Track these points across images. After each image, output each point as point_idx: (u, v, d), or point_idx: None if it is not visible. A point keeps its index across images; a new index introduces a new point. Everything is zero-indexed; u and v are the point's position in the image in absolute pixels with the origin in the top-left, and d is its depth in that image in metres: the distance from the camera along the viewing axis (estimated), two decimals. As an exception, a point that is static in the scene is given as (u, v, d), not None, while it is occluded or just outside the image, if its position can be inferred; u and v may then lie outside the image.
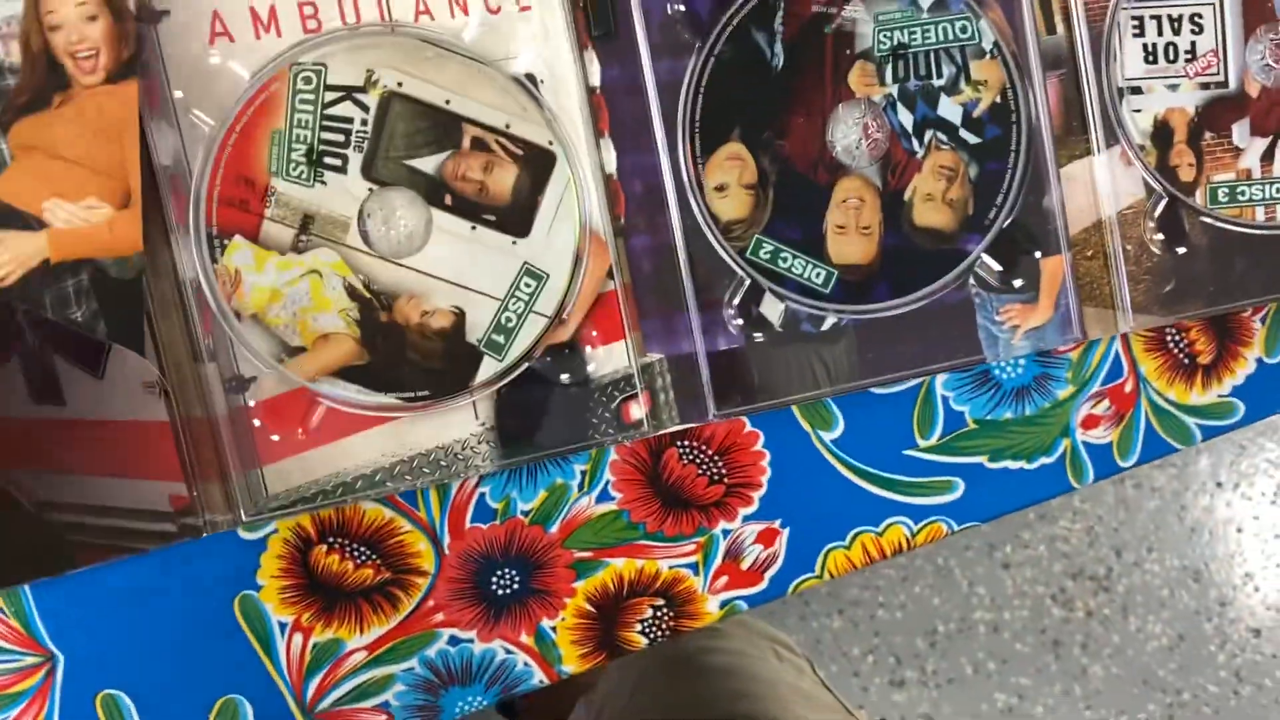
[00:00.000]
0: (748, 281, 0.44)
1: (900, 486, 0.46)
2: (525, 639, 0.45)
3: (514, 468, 0.44)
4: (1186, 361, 0.48)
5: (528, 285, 0.42)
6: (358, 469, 0.43)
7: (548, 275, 0.43)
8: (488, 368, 0.43)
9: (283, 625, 0.44)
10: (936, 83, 0.44)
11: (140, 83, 0.39)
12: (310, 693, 0.44)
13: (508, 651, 0.45)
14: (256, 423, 0.42)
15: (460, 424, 0.43)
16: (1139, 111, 0.46)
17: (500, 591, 0.44)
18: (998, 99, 0.45)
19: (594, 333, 0.43)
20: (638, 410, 0.44)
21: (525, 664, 0.45)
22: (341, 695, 0.44)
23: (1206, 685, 1.50)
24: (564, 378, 0.43)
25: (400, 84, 0.41)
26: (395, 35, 0.41)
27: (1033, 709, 1.47)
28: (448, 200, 0.42)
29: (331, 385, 0.42)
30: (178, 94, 0.40)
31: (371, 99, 0.41)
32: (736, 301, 0.44)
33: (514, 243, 0.42)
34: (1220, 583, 1.52)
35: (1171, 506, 1.51)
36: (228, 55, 0.40)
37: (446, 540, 0.44)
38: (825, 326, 0.45)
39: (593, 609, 0.45)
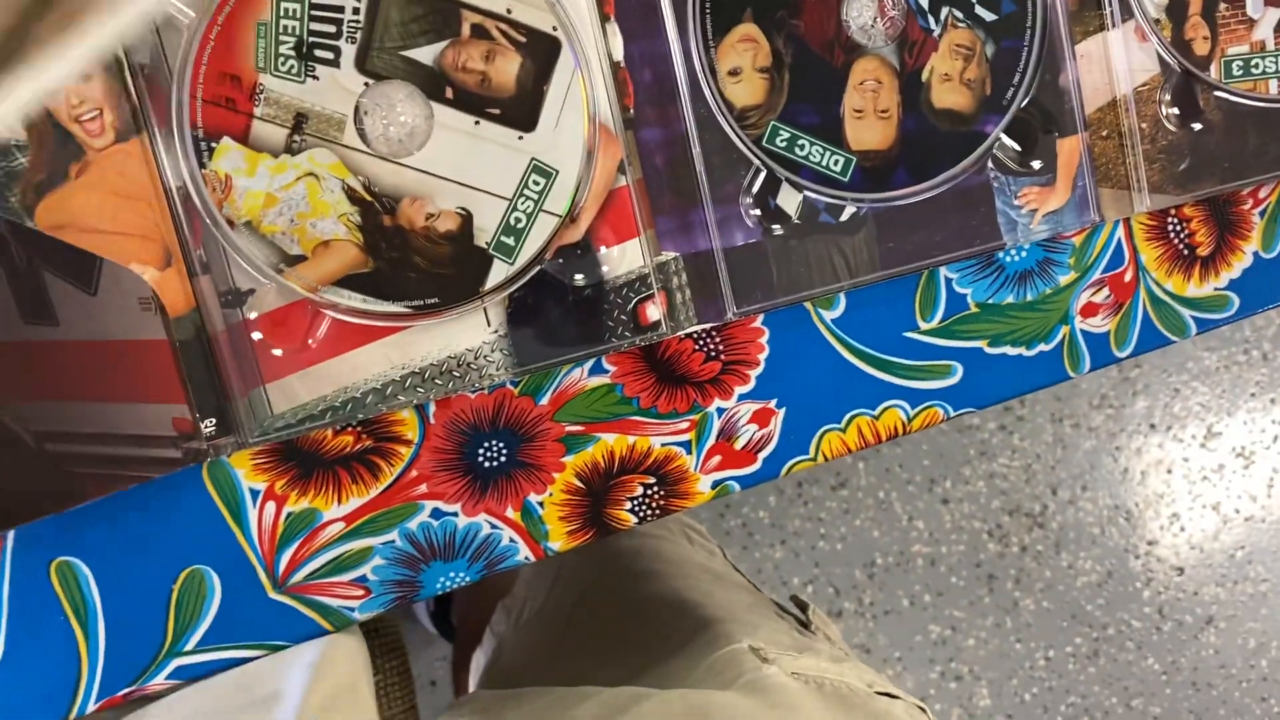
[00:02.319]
0: (764, 172, 0.42)
1: (899, 369, 0.46)
2: (511, 514, 0.44)
3: (528, 373, 0.42)
4: (1186, 252, 0.48)
5: (536, 183, 0.40)
6: (366, 382, 0.41)
7: (557, 171, 0.40)
8: (498, 271, 0.41)
9: (254, 493, 0.42)
10: (952, -44, 0.42)
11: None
12: (283, 565, 0.42)
13: (493, 527, 0.43)
14: (257, 337, 0.39)
15: (471, 331, 0.41)
16: (1155, -17, 0.44)
17: (487, 464, 0.43)
18: (1014, -28, 0.43)
19: (607, 231, 0.41)
20: (654, 311, 0.42)
21: (511, 540, 0.44)
22: (316, 568, 0.42)
23: (1131, 620, 1.56)
24: (577, 279, 0.41)
25: (392, -32, 0.38)
26: (384, -86, 0.38)
27: (964, 641, 1.51)
28: (449, 94, 0.39)
29: (335, 295, 0.39)
30: (152, -17, 0.37)
31: (362, -15, 0.38)
32: (754, 193, 0.42)
33: (520, 138, 0.40)
34: (1149, 522, 1.57)
35: (1107, 447, 1.55)
36: (203, -61, 0.37)
37: (432, 408, 0.42)
38: (844, 216, 0.43)
39: (582, 485, 0.44)
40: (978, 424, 1.53)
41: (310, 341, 0.40)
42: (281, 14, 0.38)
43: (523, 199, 0.40)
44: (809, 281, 0.43)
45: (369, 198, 0.39)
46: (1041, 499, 1.54)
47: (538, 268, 0.41)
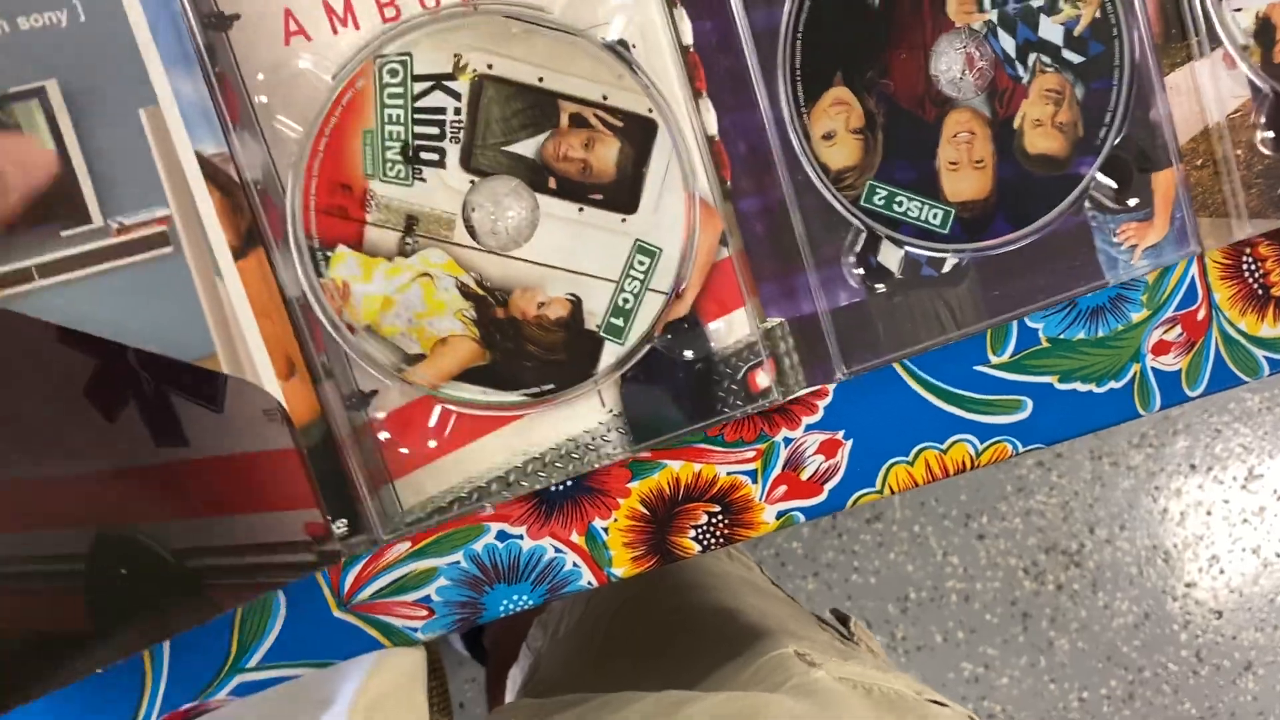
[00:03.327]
0: (864, 231, 0.42)
1: (968, 403, 0.45)
2: (576, 538, 0.44)
3: (647, 449, 0.42)
4: (1260, 291, 0.47)
5: (641, 263, 0.41)
6: (490, 471, 0.41)
7: (660, 250, 0.41)
8: (610, 353, 0.41)
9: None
10: (1035, 4, 0.42)
11: (221, 94, 0.37)
12: (348, 584, 0.43)
13: (557, 550, 0.44)
14: (383, 436, 0.40)
15: (587, 413, 0.41)
16: (1240, 10, 0.44)
17: (554, 488, 0.43)
18: (1097, 14, 0.43)
19: (712, 304, 0.42)
20: (764, 378, 0.42)
21: (575, 564, 0.44)
22: (381, 587, 0.43)
23: (1168, 664, 1.53)
24: (687, 354, 0.42)
25: (490, 66, 0.39)
26: (478, 14, 0.39)
27: (998, 679, 1.49)
28: (552, 184, 0.40)
29: (456, 389, 0.40)
30: (260, 99, 0.37)
31: (462, 85, 0.39)
32: (855, 252, 0.42)
33: (623, 220, 0.40)
34: (1187, 564, 1.55)
35: (1145, 486, 1.52)
36: (306, 54, 0.38)
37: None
38: (946, 268, 0.43)
39: (646, 511, 0.44)
40: (1015, 459, 1.51)
41: (433, 438, 0.40)
42: (386, 120, 0.38)
43: (629, 280, 0.41)
44: (915, 336, 0.43)
45: (482, 292, 0.40)
46: (1079, 537, 1.52)
47: (647, 346, 0.41)
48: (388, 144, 0.38)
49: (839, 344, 0.43)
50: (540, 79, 0.39)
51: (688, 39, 0.41)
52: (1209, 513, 1.55)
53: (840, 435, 0.45)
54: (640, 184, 0.40)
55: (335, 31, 0.38)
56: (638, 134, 0.40)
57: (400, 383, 0.40)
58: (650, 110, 0.40)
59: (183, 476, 0.37)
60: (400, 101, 0.38)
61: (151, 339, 0.35)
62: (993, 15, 0.42)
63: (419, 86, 0.38)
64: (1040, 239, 0.44)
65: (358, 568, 0.42)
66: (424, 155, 0.39)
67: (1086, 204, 0.44)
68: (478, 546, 0.43)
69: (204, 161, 0.36)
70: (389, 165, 0.39)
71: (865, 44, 0.41)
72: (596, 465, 0.42)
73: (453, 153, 0.39)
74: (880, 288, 0.43)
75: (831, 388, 0.45)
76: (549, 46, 0.39)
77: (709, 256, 0.42)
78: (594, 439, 0.42)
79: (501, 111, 0.39)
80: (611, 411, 0.42)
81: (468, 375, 0.40)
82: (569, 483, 0.43)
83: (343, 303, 0.39)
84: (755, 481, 0.45)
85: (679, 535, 0.45)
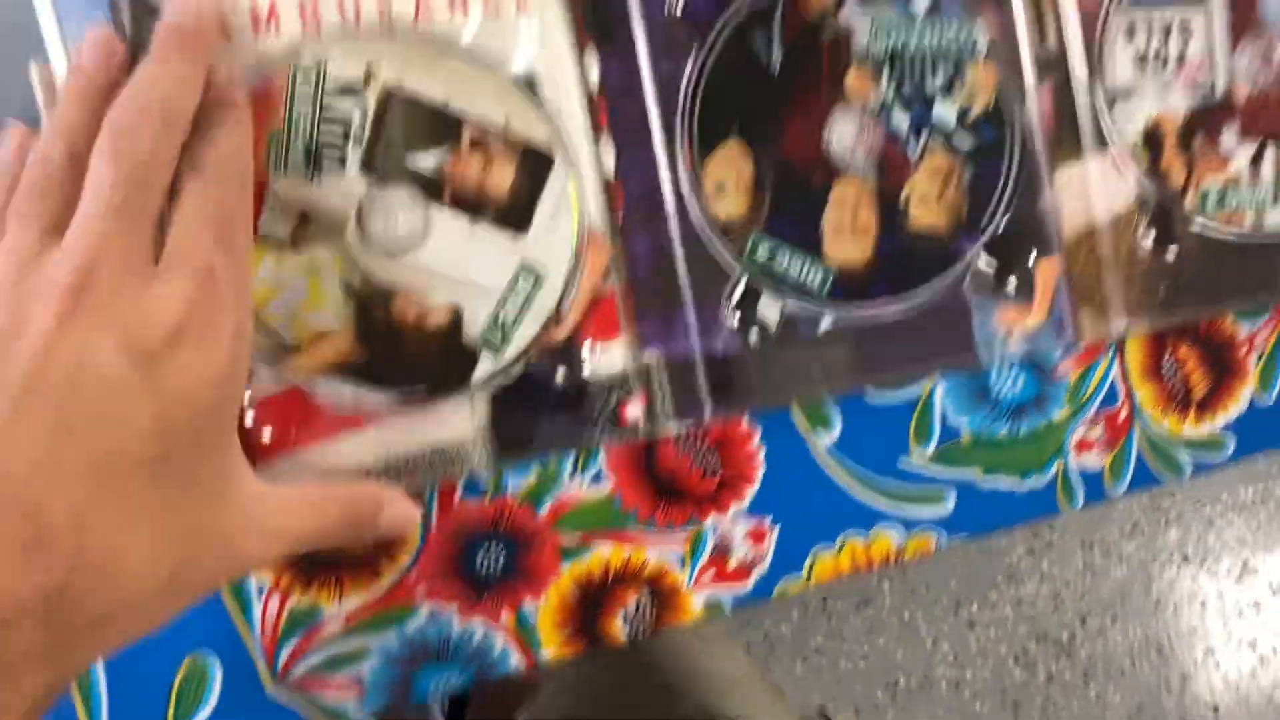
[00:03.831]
0: (745, 281, 0.44)
1: (893, 495, 0.46)
2: (506, 619, 0.44)
3: (507, 467, 0.43)
4: (1181, 394, 0.49)
5: (525, 282, 0.42)
6: (349, 468, 0.42)
7: (546, 274, 0.42)
8: (484, 366, 0.42)
9: (260, 588, 0.43)
10: (931, 87, 0.45)
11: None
12: (283, 659, 0.43)
13: (488, 632, 0.44)
14: (248, 421, 0.41)
15: (456, 424, 0.43)
16: (1130, 117, 0.46)
17: (484, 570, 0.44)
18: (991, 103, 0.45)
19: (591, 332, 0.43)
20: (634, 411, 0.44)
21: (504, 646, 0.44)
22: (315, 664, 0.43)
23: None
24: (560, 377, 0.43)
25: (400, 82, 0.41)
26: (395, 34, 0.41)
27: None
28: (447, 197, 0.42)
29: (327, 384, 0.41)
30: (176, 89, 0.40)
31: (371, 97, 0.41)
32: (734, 301, 0.44)
33: (512, 240, 0.42)
34: (1182, 657, 1.53)
35: (1138, 576, 1.52)
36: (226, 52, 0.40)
37: (434, 514, 0.43)
38: (823, 327, 0.45)
39: (576, 594, 0.45)
40: (1005, 546, 1.51)
41: (300, 429, 0.41)
42: (293, 121, 0.40)
43: (511, 297, 0.42)
44: (787, 388, 0.45)
45: (365, 292, 0.41)
46: (1070, 627, 1.51)
47: (522, 364, 0.43)
48: (291, 143, 0.41)
49: (710, 387, 0.44)
50: (446, 100, 0.41)
51: (594, 81, 0.43)
52: (1203, 605, 1.53)
53: (767, 522, 0.46)
54: (532, 209, 0.42)
55: (257, 34, 0.40)
56: (534, 162, 0.42)
57: (274, 371, 0.41)
58: (548, 142, 0.42)
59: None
60: (309, 105, 0.41)
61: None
62: (889, 93, 0.44)
63: (329, 93, 0.41)
64: (918, 310, 0.45)
65: (293, 643, 0.43)
66: (326, 157, 0.41)
67: (967, 283, 0.45)
68: (409, 626, 0.44)
69: (112, 136, 0.38)
70: (290, 162, 0.41)
71: (763, 106, 0.44)
72: (460, 476, 0.43)
73: (354, 158, 0.41)
74: (757, 338, 0.44)
75: (759, 475, 0.46)
76: (459, 71, 0.41)
77: (593, 286, 0.43)
78: (459, 450, 0.43)
79: (406, 125, 0.41)
80: (480, 425, 0.43)
81: (341, 371, 0.41)
82: (500, 564, 0.44)
83: (229, 286, 0.40)
84: (684, 567, 0.46)
85: (608, 618, 0.45)
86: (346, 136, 0.41)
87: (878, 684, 1.45)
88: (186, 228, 0.33)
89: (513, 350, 0.42)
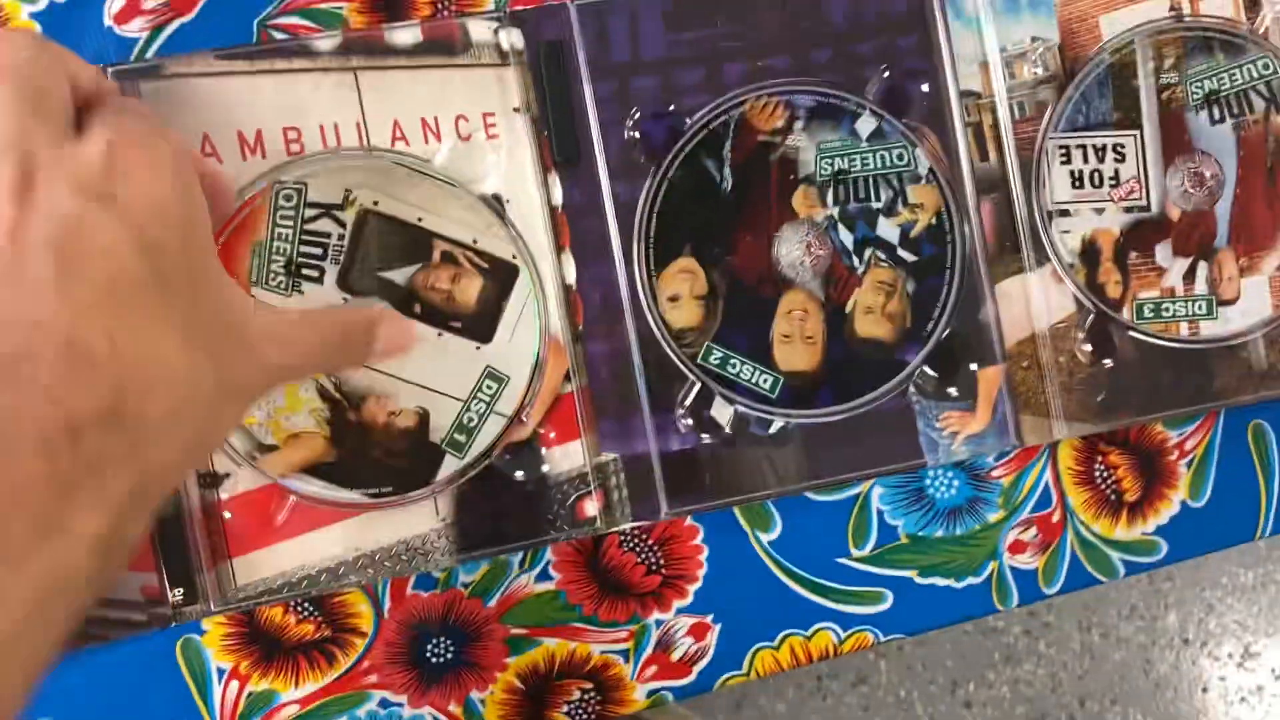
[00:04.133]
0: (698, 386, 0.47)
1: (832, 593, 0.48)
2: (454, 709, 0.46)
3: (471, 561, 0.46)
4: (1113, 498, 0.50)
5: (489, 387, 0.45)
6: (322, 561, 0.45)
7: (509, 378, 0.45)
8: (449, 465, 0.45)
9: (221, 671, 0.45)
10: (875, 205, 0.48)
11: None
12: None
13: None
14: (227, 516, 0.44)
15: (421, 519, 0.45)
16: (1067, 233, 0.49)
17: (434, 660, 0.46)
18: (934, 221, 0.48)
19: (551, 433, 0.46)
20: (592, 507, 0.46)
21: None
22: None
23: None
24: (521, 475, 0.46)
25: (376, 202, 0.44)
26: (372, 158, 0.44)
27: None
28: (417, 309, 0.45)
29: (300, 481, 0.44)
30: (168, 209, 0.43)
31: (349, 215, 0.44)
32: (688, 404, 0.47)
33: (478, 348, 0.45)
34: None
35: (1137, 660, 1.51)
36: (216, 174, 0.44)
37: (387, 604, 0.46)
38: (773, 429, 0.47)
39: (522, 686, 0.46)
40: (1002, 626, 1.50)
41: (275, 524, 0.44)
42: (275, 237, 0.44)
43: (476, 401, 0.45)
44: (739, 487, 0.47)
45: (338, 396, 0.44)
46: (1069, 709, 1.49)
47: (485, 463, 0.45)
48: (273, 257, 0.44)
49: (666, 485, 0.46)
50: (419, 218, 0.45)
51: (558, 200, 0.46)
52: (1205, 690, 1.51)
53: (709, 619, 0.48)
54: (498, 318, 0.45)
55: (245, 158, 0.44)
56: (501, 275, 0.45)
57: (251, 469, 0.44)
58: (514, 256, 0.45)
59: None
60: (291, 222, 0.44)
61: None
62: (835, 211, 0.47)
63: (310, 212, 0.44)
64: (864, 415, 0.47)
65: None
66: (305, 271, 0.44)
67: (911, 389, 0.48)
68: (361, 713, 0.46)
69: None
70: (272, 275, 0.44)
71: (715, 223, 0.47)
72: (424, 569, 0.45)
73: (331, 272, 0.44)
74: (710, 438, 0.47)
75: (701, 574, 0.48)
76: (430, 191, 0.45)
77: (553, 389, 0.46)
78: (425, 544, 0.45)
79: (381, 242, 0.44)
80: (444, 520, 0.45)
81: (314, 470, 0.44)
82: (449, 654, 0.46)
83: (211, 389, 0.43)
84: (627, 661, 0.48)
85: (553, 710, 0.47)
86: (325, 253, 0.44)
87: (875, 764, 1.44)
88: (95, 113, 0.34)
89: (476, 450, 0.45)
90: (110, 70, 0.43)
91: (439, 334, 0.45)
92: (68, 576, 0.28)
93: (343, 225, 0.44)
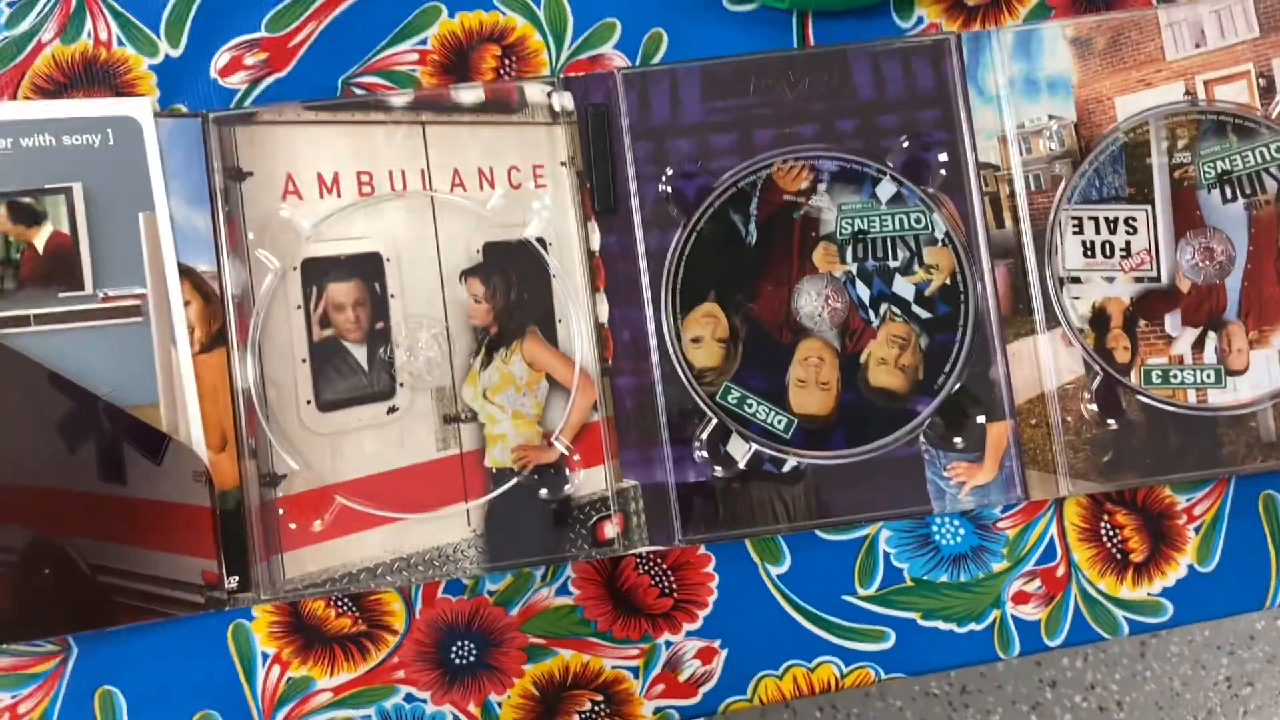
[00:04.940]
0: (715, 422, 0.50)
1: (836, 629, 0.50)
2: (473, 709, 0.49)
3: (497, 571, 0.50)
4: (1119, 556, 0.52)
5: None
6: (362, 561, 0.49)
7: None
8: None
9: (265, 655, 0.49)
10: (892, 264, 0.51)
11: (225, 226, 0.49)
12: None
13: (455, 718, 0.49)
14: (281, 513, 0.49)
15: (455, 529, 0.49)
16: (1078, 299, 0.51)
17: (458, 660, 0.50)
18: (948, 281, 0.51)
19: (577, 457, 0.50)
20: (611, 530, 0.50)
21: None
22: None
23: None
24: (546, 494, 0.49)
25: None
26: (431, 198, 0.50)
27: None
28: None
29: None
30: (250, 236, 0.49)
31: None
32: (704, 437, 0.50)
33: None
34: None
35: None
36: (295, 209, 0.50)
37: (419, 606, 0.50)
38: (786, 468, 0.50)
39: (537, 692, 0.50)
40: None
41: (323, 525, 0.49)
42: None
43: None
44: (750, 520, 0.50)
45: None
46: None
47: (514, 480, 0.49)
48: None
49: (681, 514, 0.50)
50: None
51: (595, 246, 0.51)
52: None
53: (717, 644, 0.51)
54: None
55: (322, 196, 0.50)
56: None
57: (307, 472, 0.49)
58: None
59: (114, 508, 0.47)
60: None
61: (110, 384, 0.46)
62: (853, 268, 0.51)
63: (374, 245, 0.49)
64: (874, 459, 0.50)
65: (288, 708, 0.49)
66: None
67: (921, 438, 0.51)
68: (388, 704, 0.50)
69: (196, 275, 0.48)
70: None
71: (739, 273, 0.51)
72: (453, 576, 0.49)
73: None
74: (726, 473, 0.50)
75: (712, 600, 0.51)
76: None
77: (582, 417, 0.50)
78: (455, 552, 0.49)
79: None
80: (475, 531, 0.49)
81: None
82: (472, 657, 0.50)
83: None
84: (637, 677, 0.51)
85: (565, 717, 0.50)
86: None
87: None
88: None
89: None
90: (212, 115, 0.49)
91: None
92: None
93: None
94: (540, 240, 0.50)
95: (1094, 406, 0.51)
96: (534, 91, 0.50)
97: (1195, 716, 1.47)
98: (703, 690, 0.50)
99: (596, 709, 0.50)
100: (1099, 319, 0.51)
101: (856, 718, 1.42)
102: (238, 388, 0.49)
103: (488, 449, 0.49)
